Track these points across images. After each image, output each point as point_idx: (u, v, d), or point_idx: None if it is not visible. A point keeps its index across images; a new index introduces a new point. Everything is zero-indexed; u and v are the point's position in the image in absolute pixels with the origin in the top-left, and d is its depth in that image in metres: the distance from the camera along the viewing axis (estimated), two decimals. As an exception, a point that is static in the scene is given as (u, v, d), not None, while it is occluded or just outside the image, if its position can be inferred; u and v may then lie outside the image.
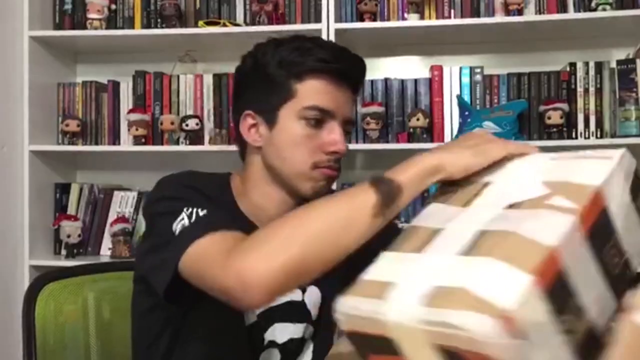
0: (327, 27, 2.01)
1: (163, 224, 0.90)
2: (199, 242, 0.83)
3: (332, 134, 1.00)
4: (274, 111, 1.00)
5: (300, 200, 1.02)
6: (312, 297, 1.08)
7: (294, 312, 1.05)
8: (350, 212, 0.78)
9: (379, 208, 0.77)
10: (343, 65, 1.01)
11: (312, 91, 0.99)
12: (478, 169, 0.78)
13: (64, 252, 2.17)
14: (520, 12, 2.01)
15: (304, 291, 1.06)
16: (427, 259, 0.67)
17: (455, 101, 2.06)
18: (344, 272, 1.05)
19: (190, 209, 0.89)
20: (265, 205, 1.04)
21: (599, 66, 2.00)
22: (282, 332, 1.04)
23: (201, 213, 0.89)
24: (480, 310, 0.54)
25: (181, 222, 0.88)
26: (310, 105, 0.98)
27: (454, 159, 0.78)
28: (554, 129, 1.96)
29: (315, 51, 0.99)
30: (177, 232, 0.87)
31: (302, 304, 1.06)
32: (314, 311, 1.08)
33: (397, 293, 0.64)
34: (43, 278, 1.17)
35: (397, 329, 0.62)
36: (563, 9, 2.03)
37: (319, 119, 0.99)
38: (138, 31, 2.18)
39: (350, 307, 0.66)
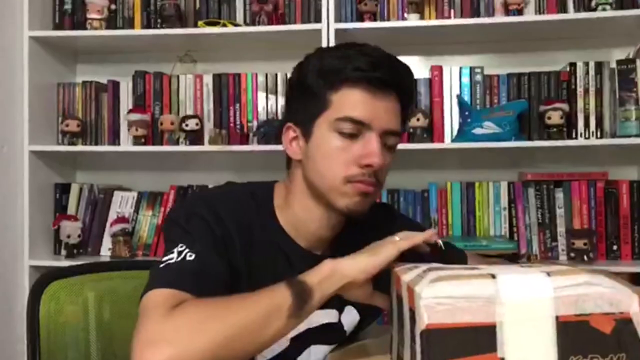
0: (327, 27, 2.01)
1: (165, 247, 0.95)
2: (155, 292, 0.86)
3: (368, 146, 0.95)
4: (310, 123, 0.98)
5: (340, 217, 1.01)
6: (349, 317, 1.07)
7: (330, 334, 1.04)
8: (267, 311, 0.82)
9: (294, 310, 0.83)
10: (381, 73, 0.96)
11: (346, 101, 0.96)
12: (376, 269, 0.85)
13: (63, 252, 2.16)
14: (520, 12, 2.01)
15: (340, 311, 1.05)
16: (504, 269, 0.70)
17: (455, 101, 2.06)
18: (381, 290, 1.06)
19: (183, 248, 0.91)
20: (306, 219, 1.02)
21: (599, 66, 2.00)
22: (316, 354, 1.04)
23: (188, 258, 0.90)
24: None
25: (170, 256, 0.91)
26: (342, 117, 0.95)
27: (350, 263, 0.86)
28: (554, 129, 1.96)
29: (354, 59, 0.96)
30: (162, 265, 0.90)
31: (339, 325, 1.06)
32: (349, 330, 1.08)
33: (502, 277, 0.65)
34: (47, 276, 1.17)
35: (513, 308, 0.62)
36: (563, 9, 2.03)
37: (353, 131, 0.95)
38: (138, 31, 2.18)
39: (447, 293, 0.64)
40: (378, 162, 0.95)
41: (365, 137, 0.96)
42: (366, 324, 1.11)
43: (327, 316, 1.02)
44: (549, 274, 0.66)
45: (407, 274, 0.76)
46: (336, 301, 0.97)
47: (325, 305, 0.94)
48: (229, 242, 0.95)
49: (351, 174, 0.95)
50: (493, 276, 0.65)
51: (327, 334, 1.03)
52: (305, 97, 0.99)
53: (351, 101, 0.95)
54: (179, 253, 0.90)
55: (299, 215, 1.02)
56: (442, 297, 0.63)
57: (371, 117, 0.95)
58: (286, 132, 1.02)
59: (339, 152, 0.95)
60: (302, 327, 0.95)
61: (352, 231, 1.03)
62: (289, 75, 2.33)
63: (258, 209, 1.01)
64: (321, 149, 0.97)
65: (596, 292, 0.63)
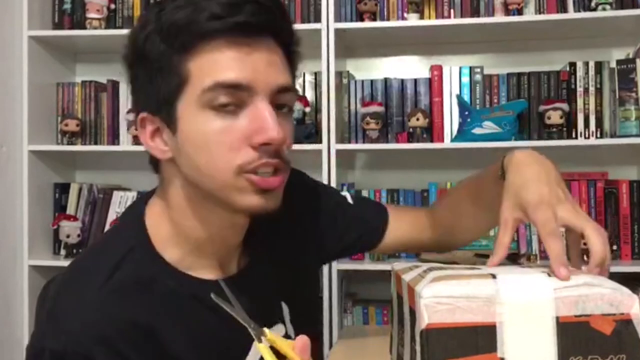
0: (327, 27, 2.01)
1: None
2: None
3: (257, 117, 0.69)
4: (169, 106, 0.71)
5: (258, 217, 0.76)
6: (284, 315, 0.88)
7: None
8: None
9: None
10: (247, 15, 0.68)
11: (210, 65, 0.69)
12: None
13: (63, 252, 2.17)
14: (520, 12, 2.01)
15: (284, 321, 0.86)
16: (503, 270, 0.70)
17: (455, 101, 2.05)
18: (305, 279, 0.95)
19: None
20: (209, 234, 0.76)
21: (599, 66, 2.00)
22: None
23: None
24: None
25: None
26: (211, 85, 0.68)
27: None
28: (554, 129, 1.96)
29: (203, 6, 0.68)
30: None
31: (285, 336, 0.85)
32: (290, 331, 0.87)
33: (503, 276, 0.65)
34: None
35: (513, 307, 0.62)
36: (563, 8, 2.03)
37: (231, 101, 0.69)
38: (137, 31, 2.18)
39: (447, 293, 0.63)
40: (276, 135, 0.69)
41: (250, 106, 0.70)
42: (296, 312, 0.89)
43: (278, 332, 0.83)
44: (549, 274, 0.66)
45: (407, 274, 0.76)
46: (274, 313, 0.85)
47: (273, 320, 0.83)
48: None
49: (244, 161, 0.69)
50: (493, 276, 0.65)
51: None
52: (153, 74, 0.71)
53: (217, 62, 0.69)
54: None
55: (195, 236, 0.76)
56: (442, 296, 0.63)
57: (251, 76, 0.69)
58: (141, 127, 0.75)
59: (221, 135, 0.69)
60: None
61: (262, 224, 0.82)
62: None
63: (142, 283, 0.73)
64: (194, 137, 0.70)
65: (597, 293, 0.63)
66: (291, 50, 0.77)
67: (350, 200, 1.02)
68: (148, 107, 0.73)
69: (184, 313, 0.75)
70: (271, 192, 0.72)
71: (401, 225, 1.03)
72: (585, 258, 0.74)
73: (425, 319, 0.62)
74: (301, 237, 0.94)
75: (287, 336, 0.86)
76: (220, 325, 0.74)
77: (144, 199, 0.82)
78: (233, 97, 0.69)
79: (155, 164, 0.79)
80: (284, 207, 0.76)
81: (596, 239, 0.71)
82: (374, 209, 1.04)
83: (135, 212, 0.80)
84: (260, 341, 0.66)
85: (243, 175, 0.70)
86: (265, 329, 0.67)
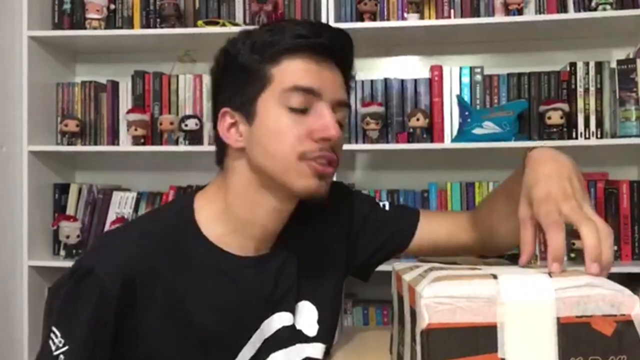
0: (327, 27, 2.00)
1: (45, 323, 0.91)
2: None
3: (321, 118, 0.86)
4: (251, 103, 0.88)
5: (293, 205, 0.93)
6: (305, 314, 0.98)
7: (286, 337, 0.95)
8: None
9: None
10: (325, 39, 0.88)
11: (290, 72, 0.87)
12: None
13: (62, 252, 2.16)
14: (520, 12, 2.01)
15: (293, 312, 0.96)
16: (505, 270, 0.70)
17: (455, 101, 2.05)
18: (332, 282, 1.03)
19: (56, 348, 0.81)
20: (252, 217, 0.91)
21: (599, 66, 1.99)
22: None
23: (56, 352, 0.81)
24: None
25: (46, 351, 0.83)
26: (289, 87, 0.86)
27: None
28: (554, 129, 1.96)
29: (290, 29, 0.88)
30: (45, 349, 0.83)
31: (292, 327, 0.95)
32: (309, 329, 0.97)
33: (504, 277, 0.65)
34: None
35: (514, 308, 0.62)
36: (563, 8, 2.03)
37: (303, 104, 0.86)
38: (137, 31, 2.18)
39: (448, 293, 0.63)
40: (335, 133, 0.86)
41: (317, 109, 0.87)
42: (325, 315, 1.00)
43: (281, 320, 0.94)
44: (550, 275, 0.66)
45: (408, 274, 0.75)
46: (289, 301, 0.95)
47: (278, 307, 0.93)
48: (125, 312, 0.83)
49: (305, 150, 0.86)
50: (494, 276, 0.65)
51: (284, 337, 0.94)
52: (241, 77, 0.89)
53: (296, 71, 0.87)
54: (56, 347, 0.81)
55: (242, 217, 0.91)
56: (443, 296, 0.62)
57: (320, 85, 0.87)
58: (222, 120, 0.91)
59: (290, 128, 0.86)
60: (258, 342, 0.91)
61: (300, 220, 0.96)
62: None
63: (177, 240, 0.89)
64: (269, 127, 0.87)
65: (598, 294, 0.63)
66: (348, 75, 0.95)
67: (387, 206, 1.11)
68: (231, 104, 0.90)
69: (205, 276, 0.88)
70: (325, 179, 0.88)
71: (435, 226, 1.08)
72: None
73: (426, 318, 0.62)
74: (332, 239, 1.04)
75: (294, 330, 0.95)
76: (237, 297, 0.89)
77: (197, 188, 0.98)
78: (304, 100, 0.86)
79: (221, 157, 0.94)
80: (320, 209, 0.93)
81: (588, 235, 0.70)
82: (405, 212, 1.11)
83: (187, 195, 0.99)
84: None
85: (304, 161, 0.86)
86: None
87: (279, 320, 0.94)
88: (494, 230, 1.02)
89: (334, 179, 0.99)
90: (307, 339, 0.97)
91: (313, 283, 0.99)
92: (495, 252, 1.07)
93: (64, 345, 0.81)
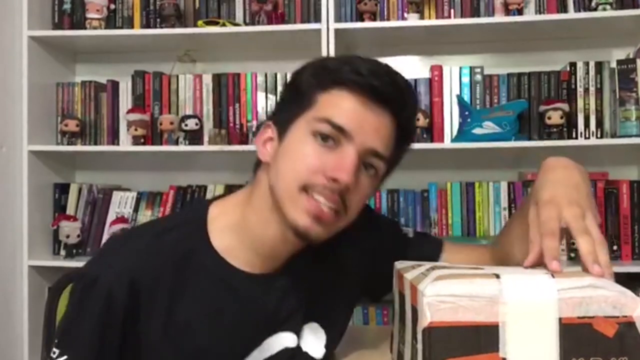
0: (327, 27, 2.00)
1: (45, 332, 0.89)
2: None
3: (341, 158, 0.81)
4: (289, 122, 0.85)
5: (300, 240, 0.86)
6: (311, 336, 0.95)
7: (288, 357, 0.91)
8: None
9: None
10: (380, 82, 0.82)
11: (332, 103, 0.83)
12: None
13: (63, 252, 2.16)
14: (520, 12, 2.01)
15: (299, 334, 0.92)
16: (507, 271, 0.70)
17: (455, 101, 2.05)
18: (345, 307, 1.02)
19: (55, 354, 0.80)
20: (262, 235, 0.87)
21: (599, 66, 1.99)
22: None
23: None
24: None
25: (49, 356, 0.81)
26: (322, 117, 0.82)
27: None
28: (554, 129, 1.96)
29: (354, 63, 0.84)
30: None
31: (297, 349, 0.92)
32: (316, 351, 0.94)
33: (506, 276, 0.65)
34: (68, 276, 1.15)
35: (516, 307, 0.62)
36: (563, 8, 2.03)
37: (330, 135, 0.81)
38: (137, 31, 2.18)
39: (450, 292, 0.63)
40: (346, 178, 0.80)
41: (343, 150, 0.82)
42: (331, 337, 0.98)
43: (284, 341, 0.91)
44: (553, 275, 0.66)
45: (409, 272, 0.76)
46: (293, 323, 0.91)
47: (281, 327, 0.90)
48: (130, 321, 0.81)
49: (310, 182, 0.81)
50: (497, 276, 0.65)
51: (284, 359, 0.90)
52: (292, 96, 0.88)
53: (337, 104, 0.83)
54: None
55: (255, 232, 0.87)
56: (445, 295, 0.62)
57: (355, 127, 0.82)
58: (263, 132, 0.90)
59: (308, 156, 0.82)
60: (261, 358, 0.89)
61: (315, 247, 0.90)
62: (288, 75, 2.32)
63: (185, 251, 0.86)
64: (291, 148, 0.84)
65: (600, 295, 0.63)
66: (405, 128, 0.89)
67: (410, 234, 1.09)
68: (274, 119, 0.89)
69: (208, 289, 0.85)
70: (319, 222, 0.82)
71: (457, 256, 1.06)
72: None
73: (428, 317, 0.62)
74: (352, 266, 1.01)
75: (300, 352, 0.92)
76: (240, 313, 0.87)
77: (214, 197, 0.97)
78: (332, 134, 0.82)
79: (255, 167, 0.92)
80: (345, 233, 0.88)
81: (583, 243, 0.72)
82: (429, 242, 1.10)
83: (202, 201, 0.97)
84: None
85: (304, 193, 0.81)
86: None
87: (281, 340, 0.91)
88: (510, 255, 0.99)
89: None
90: None
91: (325, 307, 0.95)
92: None
93: (62, 355, 0.80)
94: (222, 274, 0.87)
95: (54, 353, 0.80)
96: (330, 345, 0.97)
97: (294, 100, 0.87)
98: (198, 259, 0.86)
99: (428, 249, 1.06)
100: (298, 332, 0.92)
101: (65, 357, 0.80)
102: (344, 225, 0.86)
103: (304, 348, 0.93)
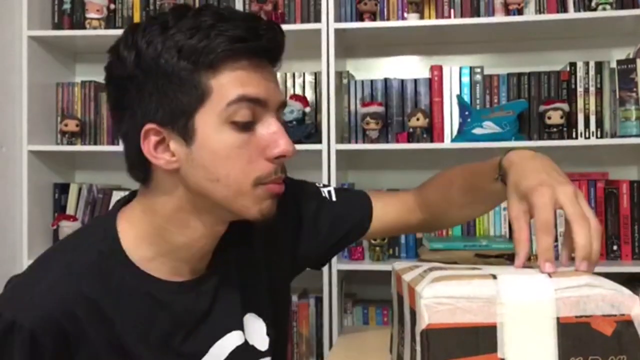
0: (327, 27, 2.00)
1: None
2: None
3: (272, 132, 0.76)
4: (187, 120, 0.74)
5: (228, 225, 0.83)
6: (254, 328, 0.90)
7: (242, 356, 0.87)
8: None
9: None
10: (265, 41, 0.76)
11: (233, 81, 0.74)
12: None
13: (63, 252, 2.16)
14: (520, 12, 2.01)
15: (242, 329, 0.88)
16: (505, 270, 0.70)
17: (455, 101, 2.05)
18: (277, 289, 0.96)
19: None
20: (186, 242, 0.80)
21: (599, 66, 1.99)
22: None
23: None
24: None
25: None
26: (234, 99, 0.74)
27: None
28: (554, 129, 1.96)
29: (222, 29, 0.73)
30: None
31: (245, 344, 0.87)
32: (261, 343, 0.90)
33: (503, 277, 0.65)
34: None
35: (514, 308, 0.62)
36: (563, 8, 2.03)
37: (249, 117, 0.75)
38: (137, 31, 2.18)
39: (447, 293, 0.63)
40: (291, 149, 0.77)
41: (264, 122, 0.77)
42: (271, 327, 0.92)
43: (233, 340, 0.86)
44: (550, 275, 0.66)
45: (407, 274, 0.75)
46: (236, 319, 0.87)
47: (227, 328, 0.85)
48: (65, 348, 0.74)
49: (262, 174, 0.76)
50: (494, 276, 0.65)
51: (239, 358, 0.86)
52: (168, 88, 0.74)
53: (241, 79, 0.75)
54: None
55: (175, 240, 0.80)
56: (442, 296, 0.62)
57: (266, 93, 0.76)
58: (146, 138, 0.75)
59: (240, 150, 0.75)
60: None
61: (240, 227, 0.86)
62: (288, 75, 2.31)
63: (102, 272, 0.78)
64: (214, 149, 0.75)
65: (597, 294, 0.63)
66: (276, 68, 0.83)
67: (333, 196, 1.03)
68: (156, 119, 0.75)
69: (138, 307, 0.78)
70: (277, 197, 0.80)
71: (387, 210, 1.05)
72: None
73: (426, 319, 0.62)
74: (274, 248, 0.95)
75: (248, 347, 0.87)
76: (175, 326, 0.80)
77: (119, 204, 0.86)
78: (250, 111, 0.75)
79: (143, 173, 0.80)
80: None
81: (580, 233, 0.71)
82: (357, 201, 1.05)
83: (109, 214, 0.85)
84: None
85: (260, 186, 0.77)
86: None
87: (229, 340, 0.85)
88: (444, 214, 1.03)
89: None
90: (260, 354, 0.89)
91: (256, 292, 0.91)
92: (436, 230, 1.11)
93: None
94: (147, 288, 0.79)
95: None
96: (271, 336, 0.91)
97: (174, 93, 0.74)
98: (119, 279, 0.78)
99: (360, 208, 1.04)
100: (242, 328, 0.87)
101: None
102: None
103: (250, 342, 0.88)
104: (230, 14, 0.76)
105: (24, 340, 0.71)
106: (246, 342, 0.87)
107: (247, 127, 0.75)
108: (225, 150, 0.75)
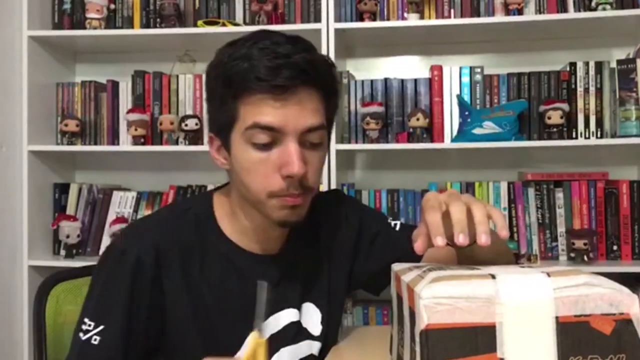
0: (327, 27, 2.00)
1: (86, 296, 0.94)
2: None
3: (285, 154, 0.88)
4: (227, 135, 0.92)
5: (283, 227, 0.97)
6: (309, 314, 1.04)
7: (294, 333, 1.01)
8: None
9: None
10: (284, 79, 0.86)
11: (252, 110, 0.88)
12: None
13: (63, 252, 2.16)
14: (520, 12, 2.01)
15: (299, 309, 1.03)
16: (502, 270, 0.70)
17: (455, 101, 2.05)
18: (335, 288, 1.08)
19: (90, 327, 0.88)
20: (252, 226, 0.98)
21: (599, 66, 1.99)
22: (285, 356, 1.00)
23: (93, 342, 0.88)
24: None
25: (80, 333, 0.89)
26: (251, 124, 0.88)
27: None
28: (554, 129, 1.96)
29: (256, 65, 0.87)
30: (73, 341, 0.90)
31: (299, 323, 1.02)
32: (314, 328, 1.04)
33: (502, 277, 0.65)
34: (53, 278, 1.15)
35: (513, 308, 0.62)
36: (563, 8, 2.03)
37: (266, 140, 0.88)
38: (137, 31, 2.18)
39: (447, 293, 0.63)
40: (298, 170, 0.87)
41: (282, 144, 0.89)
42: (328, 317, 1.06)
43: (289, 316, 1.01)
44: (549, 274, 0.66)
45: (407, 274, 0.75)
46: (295, 299, 1.02)
47: (285, 305, 1.00)
48: (156, 283, 0.93)
49: (275, 189, 0.90)
50: (493, 276, 0.65)
51: (292, 333, 1.01)
52: (217, 107, 0.93)
53: (258, 109, 0.87)
54: (85, 332, 0.89)
55: (245, 223, 0.98)
56: (441, 297, 0.62)
57: (282, 122, 0.87)
58: (210, 141, 0.98)
59: (258, 165, 0.89)
60: (267, 334, 0.93)
61: (306, 223, 0.99)
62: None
63: (197, 227, 0.98)
64: (240, 162, 0.91)
65: (596, 293, 0.63)
66: (329, 92, 0.94)
67: (397, 227, 1.12)
68: (214, 130, 0.96)
69: (215, 264, 0.96)
70: (294, 209, 0.92)
71: (439, 250, 1.05)
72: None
73: (425, 319, 0.62)
74: (339, 250, 1.09)
75: (301, 327, 1.02)
76: (244, 287, 0.95)
77: (219, 186, 1.06)
78: (267, 137, 0.88)
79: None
80: (327, 217, 1.06)
81: (455, 211, 0.75)
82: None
83: (202, 197, 1.05)
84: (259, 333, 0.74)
85: (274, 198, 0.91)
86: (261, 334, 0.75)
87: (286, 316, 1.00)
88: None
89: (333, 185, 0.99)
90: (312, 337, 1.03)
91: (316, 287, 1.05)
92: None
93: (95, 333, 0.88)
94: (228, 251, 0.98)
95: (89, 325, 0.89)
96: (325, 325, 1.04)
97: (221, 112, 0.92)
98: (207, 237, 0.97)
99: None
100: (299, 309, 1.02)
101: (102, 327, 0.88)
102: (312, 196, 0.95)
103: (304, 324, 1.02)
104: (274, 48, 0.87)
105: (131, 263, 0.90)
106: (300, 322, 1.02)
107: (266, 147, 0.89)
108: (247, 164, 0.90)
